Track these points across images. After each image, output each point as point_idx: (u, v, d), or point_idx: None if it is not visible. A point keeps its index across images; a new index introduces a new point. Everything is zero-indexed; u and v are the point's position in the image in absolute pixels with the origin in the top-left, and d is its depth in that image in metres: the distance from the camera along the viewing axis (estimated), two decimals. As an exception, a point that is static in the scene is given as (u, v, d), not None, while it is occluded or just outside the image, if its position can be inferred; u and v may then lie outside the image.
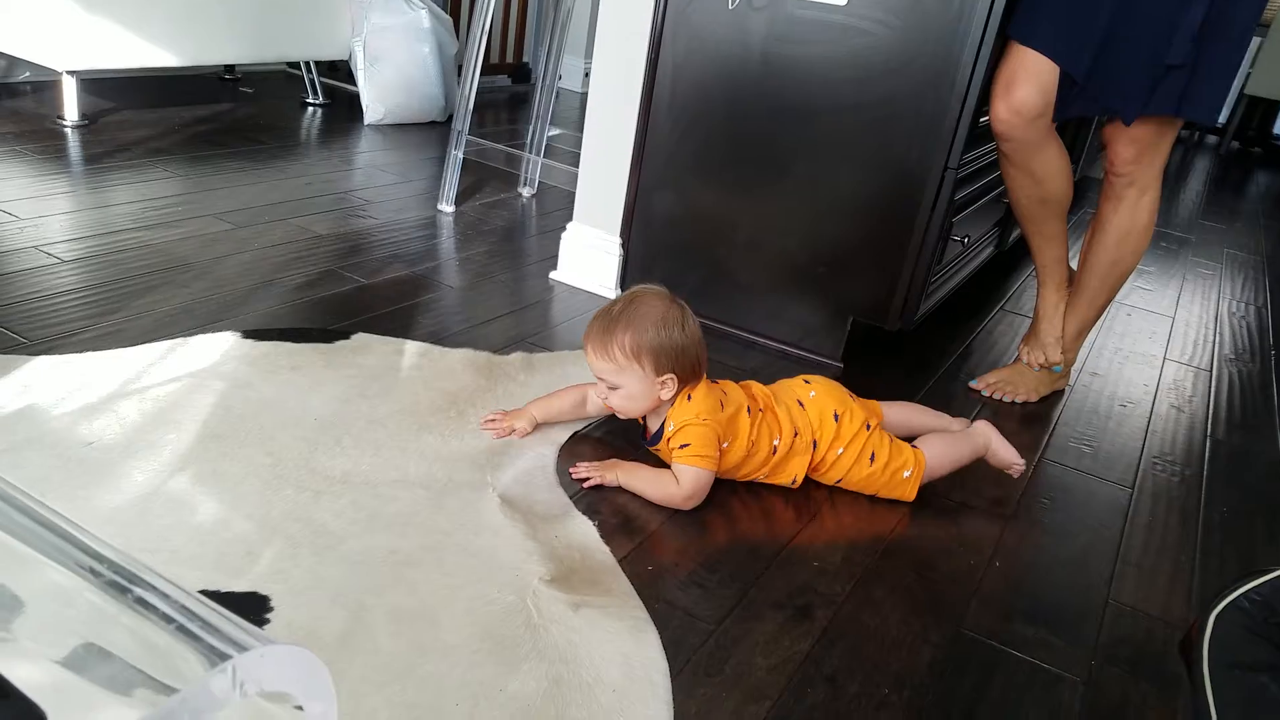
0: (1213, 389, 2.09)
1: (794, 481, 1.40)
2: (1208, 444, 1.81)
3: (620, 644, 1.03)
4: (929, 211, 1.71)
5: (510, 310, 1.89)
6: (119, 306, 1.60)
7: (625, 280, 2.04)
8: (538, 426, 1.44)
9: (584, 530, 1.24)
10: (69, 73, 2.55)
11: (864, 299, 1.82)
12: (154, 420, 1.29)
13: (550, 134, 2.73)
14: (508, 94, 4.19)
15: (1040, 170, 1.67)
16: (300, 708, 0.37)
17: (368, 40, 3.12)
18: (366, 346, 1.61)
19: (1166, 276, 2.93)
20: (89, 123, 2.63)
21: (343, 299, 1.79)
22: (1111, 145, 1.67)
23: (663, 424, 1.36)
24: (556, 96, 2.67)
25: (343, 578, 1.07)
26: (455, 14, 3.85)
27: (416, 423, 1.40)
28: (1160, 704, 1.11)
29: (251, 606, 1.01)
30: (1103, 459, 1.68)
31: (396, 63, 3.16)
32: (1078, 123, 2.97)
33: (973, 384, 1.87)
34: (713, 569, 1.20)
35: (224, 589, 1.02)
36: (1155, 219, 1.73)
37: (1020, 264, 2.72)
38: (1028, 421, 1.78)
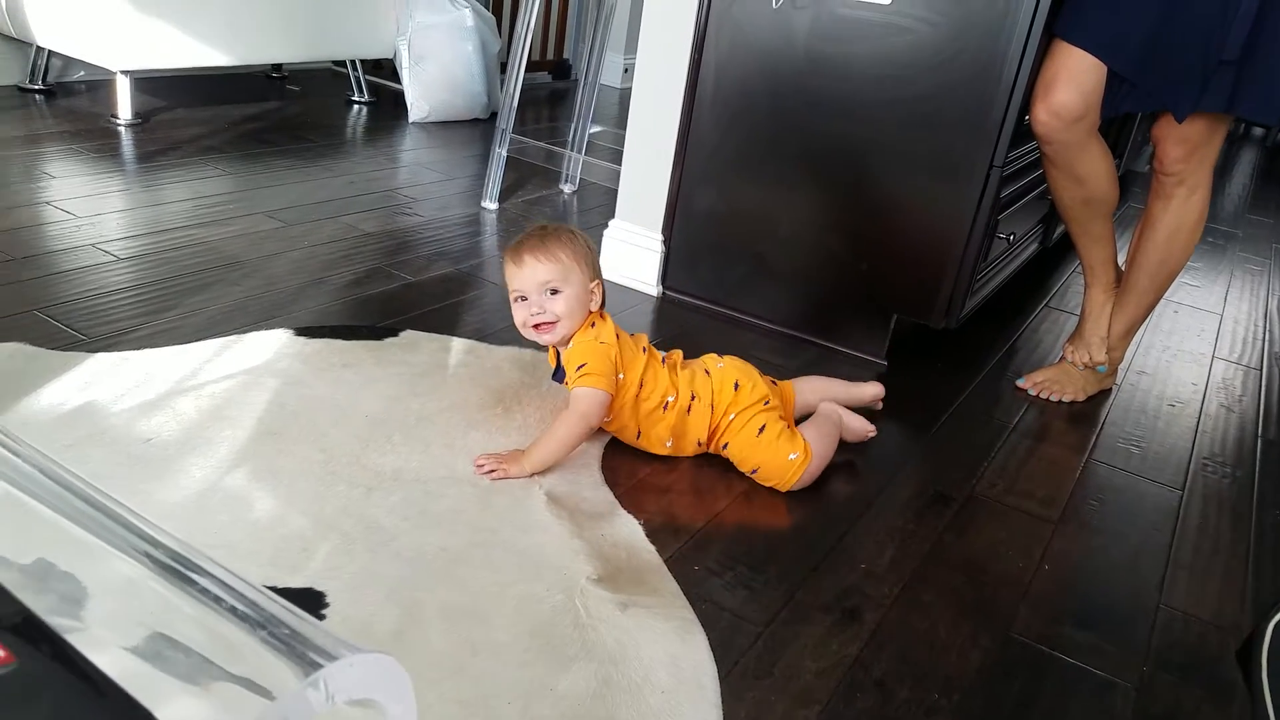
0: (1263, 388, 2.06)
1: (699, 444, 1.42)
2: (1259, 444, 1.79)
3: (668, 645, 1.04)
4: (974, 209, 1.69)
5: (554, 308, 1.90)
6: (174, 304, 1.64)
7: (666, 276, 2.05)
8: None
9: (630, 529, 1.25)
10: (123, 72, 2.60)
11: (908, 297, 1.81)
12: (211, 417, 1.32)
13: (590, 130, 2.74)
14: (548, 91, 4.21)
15: (1083, 172, 1.65)
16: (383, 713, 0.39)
17: (412, 39, 3.15)
18: (415, 344, 1.63)
19: (1214, 273, 2.88)
20: (142, 121, 2.69)
21: (391, 296, 1.81)
22: (1160, 144, 1.65)
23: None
24: (596, 93, 2.67)
25: (396, 574, 1.09)
26: (498, 12, 3.87)
27: (464, 420, 1.42)
28: (1213, 711, 1.10)
29: (308, 602, 1.03)
30: (1152, 459, 1.66)
31: (441, 61, 3.18)
32: (1121, 118, 2.93)
33: (1020, 383, 1.86)
34: (759, 570, 1.21)
35: (281, 584, 1.05)
36: (1205, 217, 1.71)
37: (1064, 260, 2.69)
38: (1075, 421, 1.77)
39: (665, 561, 1.19)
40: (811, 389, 1.56)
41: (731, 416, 1.40)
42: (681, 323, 1.94)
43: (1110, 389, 1.90)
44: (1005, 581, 1.27)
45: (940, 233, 1.73)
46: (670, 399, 1.39)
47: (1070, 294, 2.46)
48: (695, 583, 1.16)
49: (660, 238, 2.03)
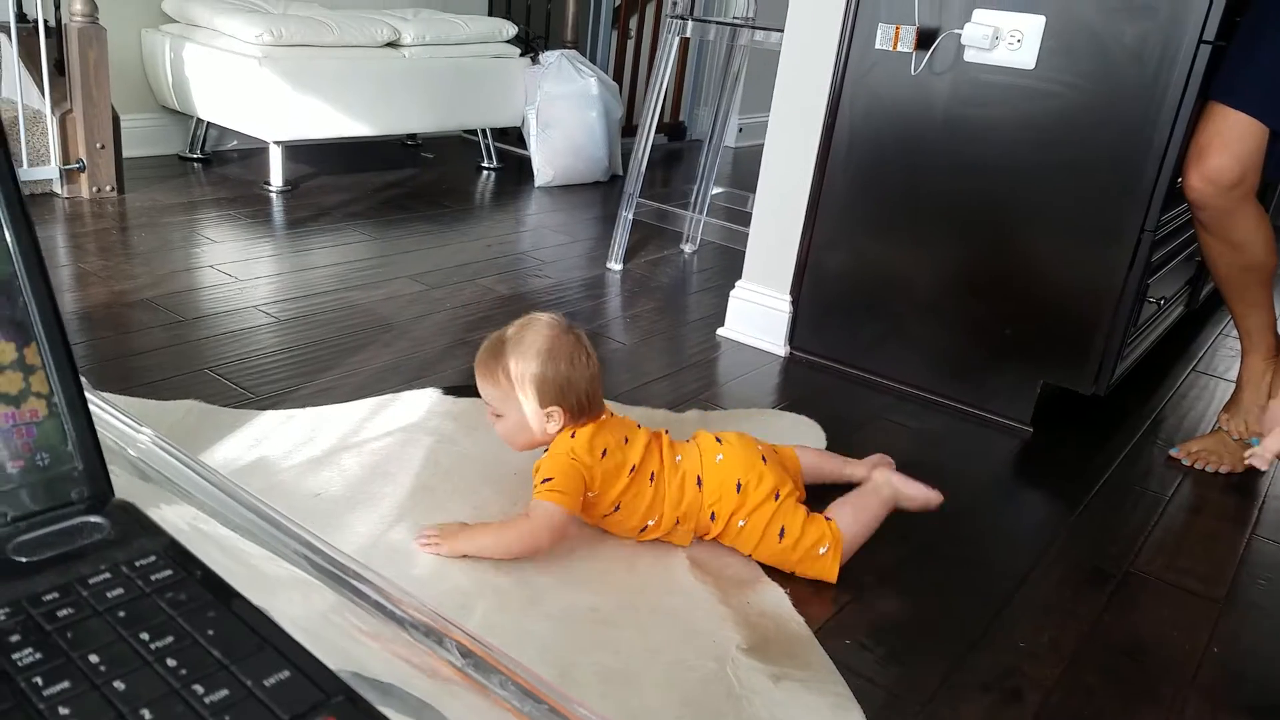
0: None
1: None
2: None
3: None
4: (1125, 273, 1.65)
5: (680, 367, 1.92)
6: (333, 364, 1.72)
7: (794, 336, 2.04)
8: None
9: (776, 598, 1.24)
10: (276, 142, 2.76)
11: (1056, 362, 1.76)
12: (372, 472, 1.37)
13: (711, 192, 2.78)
14: (663, 152, 4.29)
15: (1239, 238, 1.60)
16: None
17: (540, 108, 3.26)
18: (555, 405, 1.67)
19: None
20: (291, 188, 2.84)
21: (530, 358, 1.86)
22: (1326, 205, 1.58)
23: None
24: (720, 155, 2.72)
25: (548, 634, 1.10)
26: (619, 78, 3.98)
27: (606, 482, 1.44)
28: None
29: (470, 661, 1.05)
30: (1321, 537, 1.57)
31: (565, 128, 3.28)
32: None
33: (1173, 452, 1.78)
34: (912, 646, 1.18)
35: (443, 642, 1.07)
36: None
37: (1210, 322, 2.59)
38: (1234, 494, 1.69)
39: (814, 633, 1.18)
40: (807, 465, 1.43)
41: (742, 523, 1.28)
42: (810, 383, 1.93)
43: (1269, 460, 1.81)
44: (1172, 665, 1.21)
45: (1089, 297, 1.69)
46: (651, 523, 1.29)
47: (1219, 358, 2.36)
48: (846, 656, 1.14)
49: (788, 298, 2.04)
